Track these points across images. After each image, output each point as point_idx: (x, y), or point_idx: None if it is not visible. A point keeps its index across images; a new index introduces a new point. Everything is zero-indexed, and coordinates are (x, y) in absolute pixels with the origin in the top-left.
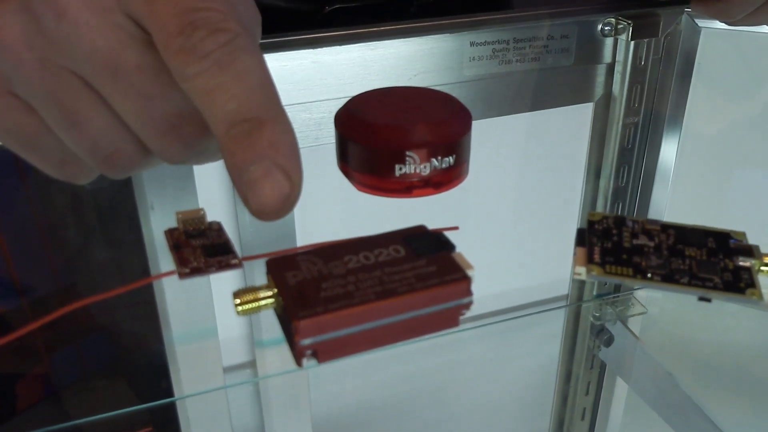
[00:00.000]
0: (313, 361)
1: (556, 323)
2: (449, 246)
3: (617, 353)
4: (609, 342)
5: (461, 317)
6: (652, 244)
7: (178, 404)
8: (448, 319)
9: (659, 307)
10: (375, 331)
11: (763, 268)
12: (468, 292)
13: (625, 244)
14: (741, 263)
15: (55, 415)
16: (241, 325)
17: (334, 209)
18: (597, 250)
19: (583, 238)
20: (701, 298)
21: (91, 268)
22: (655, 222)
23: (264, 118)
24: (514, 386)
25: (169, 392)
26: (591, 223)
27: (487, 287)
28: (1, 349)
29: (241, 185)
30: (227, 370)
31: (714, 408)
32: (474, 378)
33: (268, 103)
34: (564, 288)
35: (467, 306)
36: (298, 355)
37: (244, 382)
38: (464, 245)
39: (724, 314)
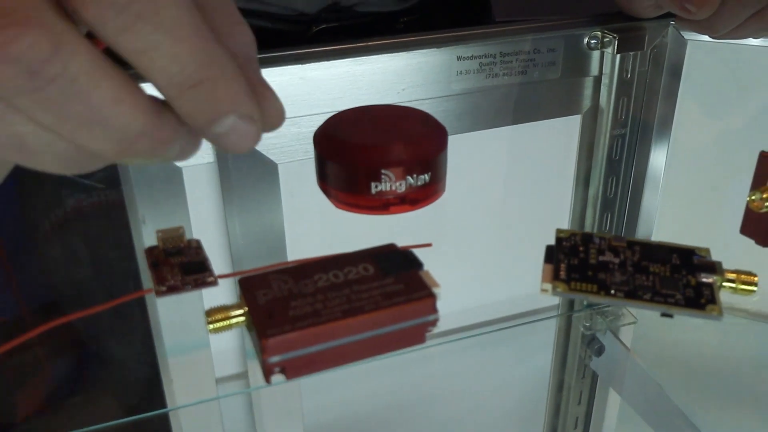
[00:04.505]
0: (281, 378)
1: (547, 333)
2: (417, 264)
3: (608, 363)
4: (600, 352)
5: (429, 333)
6: (617, 260)
7: (171, 415)
8: (415, 336)
9: (650, 317)
10: (342, 348)
11: (725, 284)
12: (433, 310)
13: (591, 260)
14: (703, 279)
15: (48, 427)
16: (234, 337)
17: (325, 222)
18: (563, 266)
19: (551, 254)
20: (663, 314)
21: (83, 281)
22: (621, 239)
23: (214, 75)
24: (506, 396)
25: (162, 403)
26: (559, 240)
27: (478, 297)
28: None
29: (211, 139)
30: (220, 380)
31: (703, 418)
32: (466, 388)
33: (210, 55)
34: (555, 298)
35: (433, 323)
36: (266, 372)
37: (237, 392)
38: (457, 256)
39: (715, 325)
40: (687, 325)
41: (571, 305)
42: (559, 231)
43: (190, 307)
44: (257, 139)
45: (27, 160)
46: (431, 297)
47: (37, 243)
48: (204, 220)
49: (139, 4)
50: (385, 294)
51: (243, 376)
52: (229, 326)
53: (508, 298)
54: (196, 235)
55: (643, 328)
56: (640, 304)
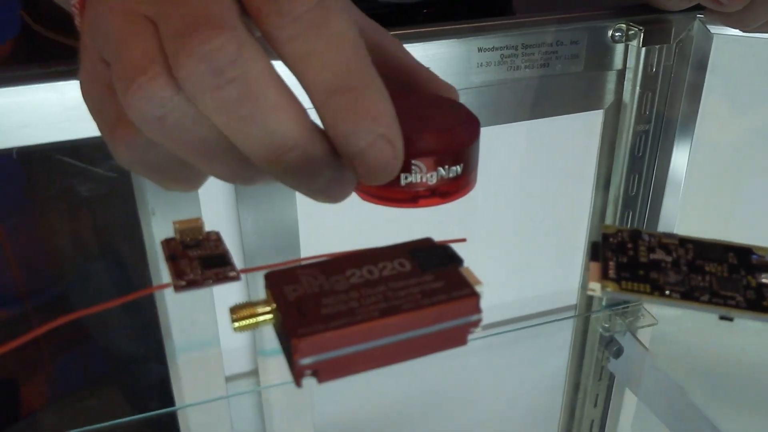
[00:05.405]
0: (312, 381)
1: (564, 334)
2: (457, 260)
3: (626, 365)
4: (618, 353)
5: (471, 335)
6: (669, 259)
7: (180, 414)
8: (456, 338)
9: (669, 318)
10: (378, 349)
11: None
12: (477, 309)
13: (641, 258)
14: (764, 280)
15: (56, 424)
16: (244, 334)
17: (339, 217)
18: (612, 265)
19: (597, 252)
20: (723, 317)
21: (92, 274)
22: (672, 236)
23: (361, 86)
24: (521, 397)
25: (171, 401)
26: (605, 237)
27: (495, 297)
28: (3, 356)
29: (347, 154)
30: (229, 379)
31: (725, 421)
32: (481, 388)
33: (362, 69)
34: (573, 298)
35: (476, 324)
36: (297, 375)
37: (247, 391)
38: (471, 255)
39: (736, 325)
40: (707, 325)
41: (589, 305)
42: (604, 227)
43: (201, 303)
44: (395, 167)
45: (205, 164)
46: (474, 296)
47: (43, 234)
48: (215, 213)
49: (312, 15)
50: (424, 292)
51: (253, 374)
52: (256, 324)
53: (525, 298)
54: (207, 229)
55: (662, 329)
56: (698, 306)
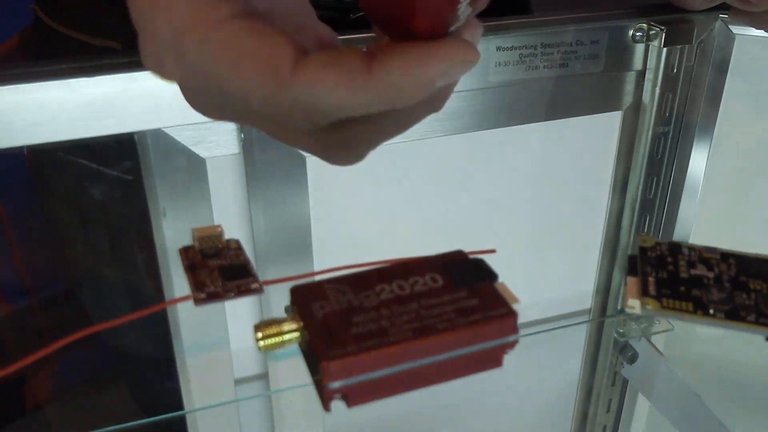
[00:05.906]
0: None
1: (577, 338)
2: (491, 275)
3: (641, 371)
4: (633, 359)
5: (507, 355)
6: (711, 275)
7: (189, 417)
8: (491, 359)
9: (686, 324)
10: (411, 372)
11: None
12: (514, 329)
13: (681, 274)
14: None
15: (61, 422)
16: (254, 337)
17: (352, 218)
18: (651, 281)
19: (635, 266)
20: None
21: (102, 273)
22: (713, 250)
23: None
24: (533, 401)
25: (180, 405)
26: (643, 250)
27: None
28: (9, 352)
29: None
30: (239, 382)
31: (741, 430)
32: (493, 392)
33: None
34: (587, 302)
35: (512, 345)
36: (326, 399)
37: (257, 395)
38: (485, 257)
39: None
40: (724, 331)
41: (603, 310)
42: (643, 239)
43: (211, 305)
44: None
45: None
46: (512, 315)
47: (53, 232)
48: (227, 214)
49: None
50: (458, 310)
51: (263, 377)
52: (282, 343)
53: (539, 302)
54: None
55: (678, 334)
56: (743, 326)
